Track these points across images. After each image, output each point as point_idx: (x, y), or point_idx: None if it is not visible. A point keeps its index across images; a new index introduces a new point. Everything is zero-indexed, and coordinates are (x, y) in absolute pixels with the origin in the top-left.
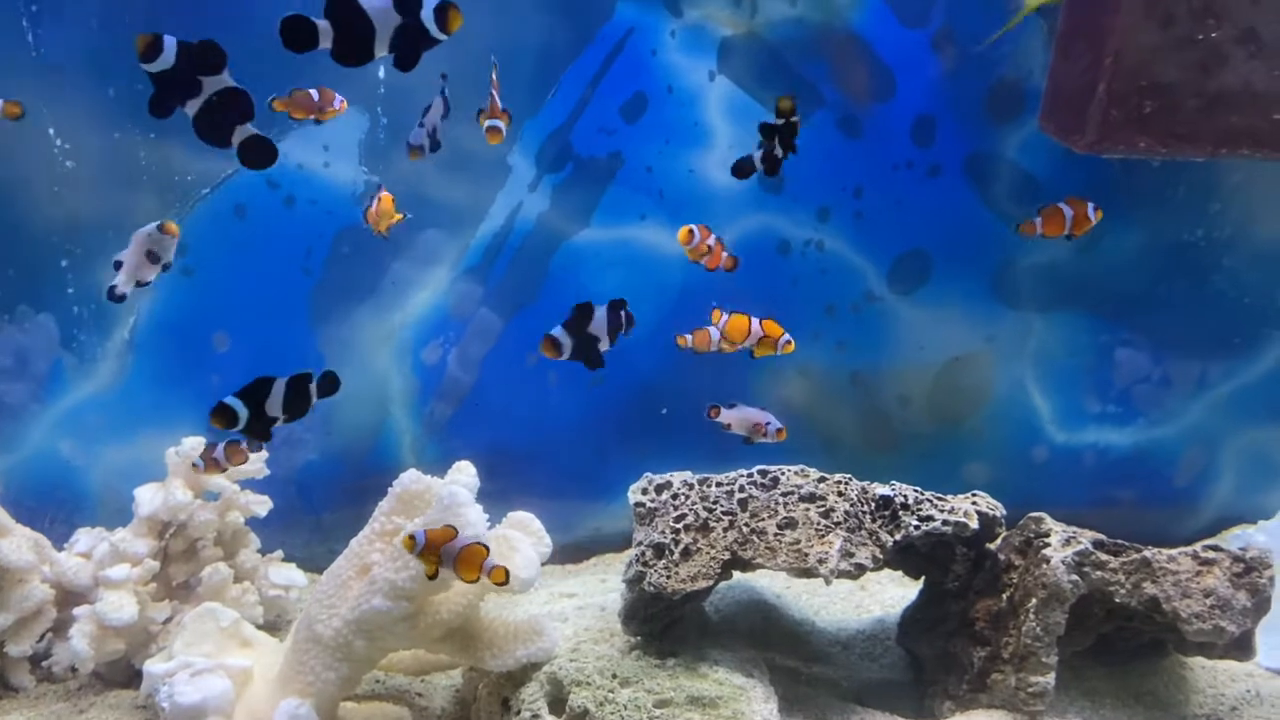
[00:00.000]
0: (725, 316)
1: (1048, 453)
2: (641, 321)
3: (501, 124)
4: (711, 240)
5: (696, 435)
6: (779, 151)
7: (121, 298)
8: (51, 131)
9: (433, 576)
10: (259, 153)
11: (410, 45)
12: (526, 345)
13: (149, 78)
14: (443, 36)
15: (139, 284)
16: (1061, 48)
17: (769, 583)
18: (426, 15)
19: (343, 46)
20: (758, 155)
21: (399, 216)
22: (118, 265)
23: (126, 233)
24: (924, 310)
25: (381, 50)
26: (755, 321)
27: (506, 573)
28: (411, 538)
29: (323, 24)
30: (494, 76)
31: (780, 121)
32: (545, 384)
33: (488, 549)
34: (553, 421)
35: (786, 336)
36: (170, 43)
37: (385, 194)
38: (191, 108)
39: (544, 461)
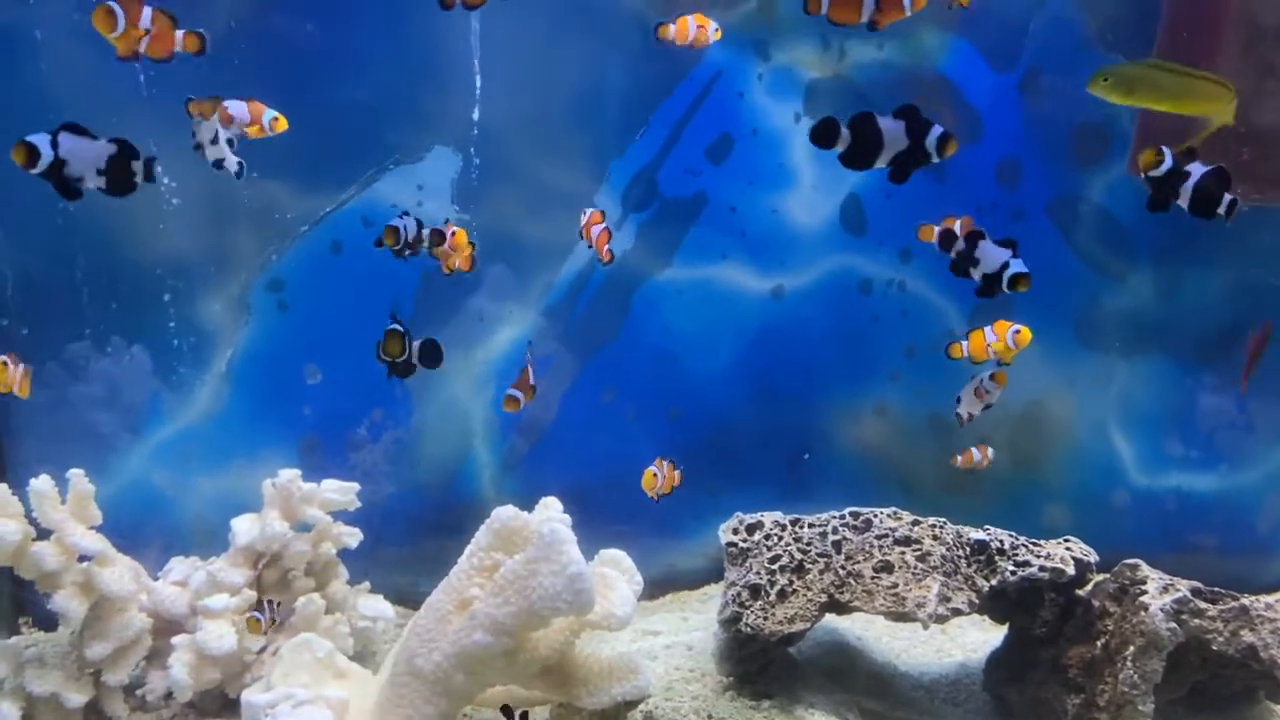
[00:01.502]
0: (964, 342)
1: (1129, 497)
2: (720, 360)
3: (521, 396)
4: (597, 229)
5: (770, 473)
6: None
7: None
8: (159, 170)
9: None
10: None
11: (907, 164)
12: (605, 382)
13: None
14: (938, 159)
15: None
16: None
17: (850, 624)
18: (930, 140)
19: (853, 153)
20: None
21: (469, 249)
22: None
23: (227, 269)
24: None
25: (882, 162)
26: (987, 330)
27: None
28: None
29: (844, 131)
30: (529, 354)
31: None
32: (622, 420)
33: None
34: (629, 458)
35: (1015, 327)
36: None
37: (458, 231)
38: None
39: (619, 498)
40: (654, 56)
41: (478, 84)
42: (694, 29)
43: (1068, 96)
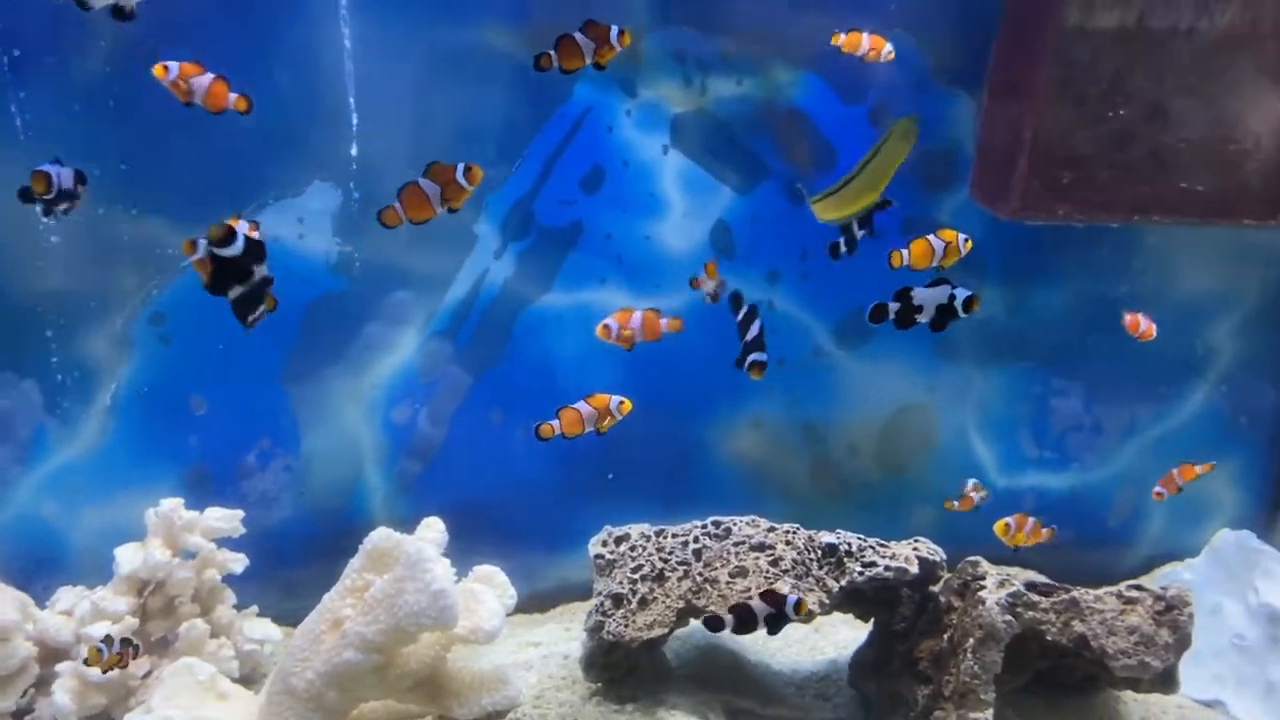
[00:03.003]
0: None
1: (990, 497)
2: (602, 380)
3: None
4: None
5: (655, 487)
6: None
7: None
8: (38, 209)
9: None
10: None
11: (946, 317)
12: (493, 404)
13: (215, 260)
14: (965, 315)
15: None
16: (987, 124)
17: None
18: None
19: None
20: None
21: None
22: None
23: (109, 304)
24: (870, 365)
25: (925, 318)
26: (932, 238)
27: None
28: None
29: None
30: None
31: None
32: (512, 440)
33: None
34: (519, 476)
35: (964, 236)
36: (240, 233)
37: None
38: (236, 291)
39: (511, 515)
40: (527, 92)
41: (354, 121)
42: (866, 47)
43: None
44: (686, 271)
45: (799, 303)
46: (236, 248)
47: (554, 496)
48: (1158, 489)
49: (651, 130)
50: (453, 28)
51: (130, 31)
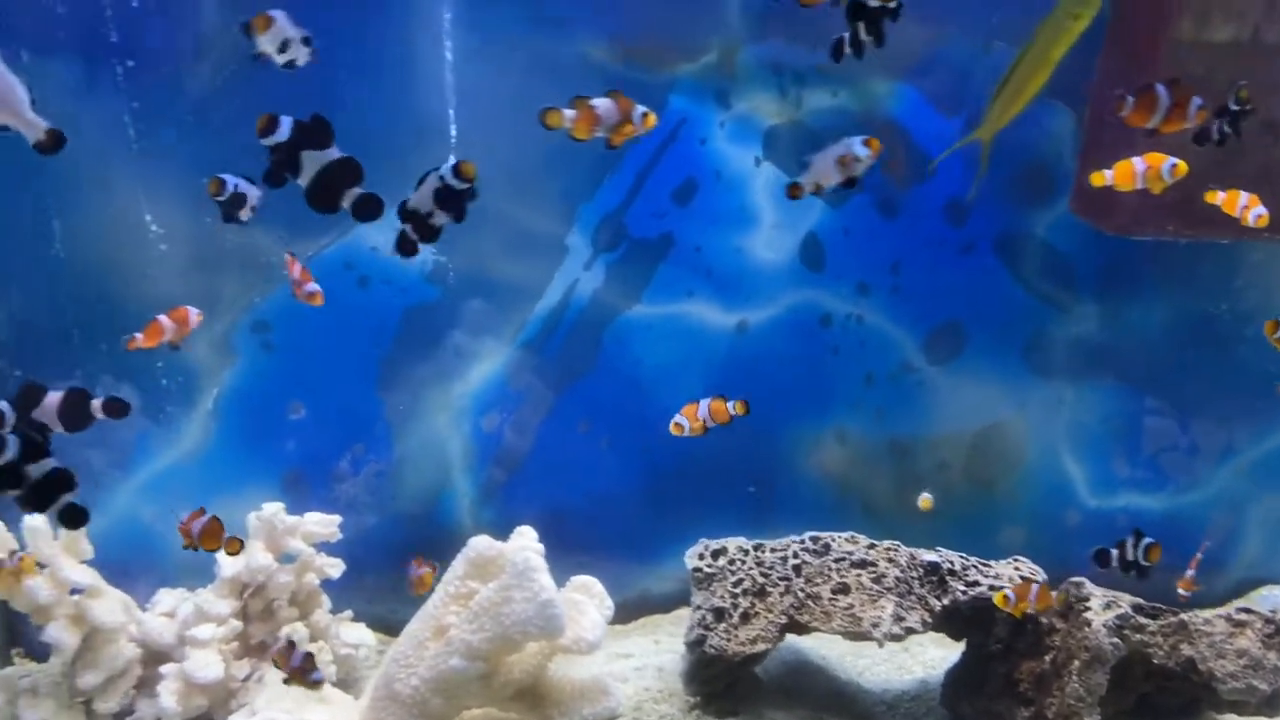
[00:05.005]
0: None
1: (1080, 517)
2: (688, 391)
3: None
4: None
5: (737, 499)
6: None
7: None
8: (148, 218)
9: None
10: (368, 209)
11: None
12: (579, 414)
13: (267, 151)
14: None
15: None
16: (1093, 136)
17: (814, 645)
18: None
19: None
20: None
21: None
22: None
23: (214, 311)
24: (959, 380)
25: None
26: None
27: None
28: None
29: None
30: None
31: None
32: (597, 450)
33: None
34: (602, 486)
35: (1171, 160)
36: (286, 121)
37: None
38: (305, 177)
39: (594, 525)
40: None
41: (453, 133)
42: (1243, 204)
43: (1011, 138)
44: (775, 284)
45: (888, 316)
46: (282, 133)
47: (636, 508)
48: (1182, 592)
49: (745, 142)
50: (551, 41)
51: (241, 47)
